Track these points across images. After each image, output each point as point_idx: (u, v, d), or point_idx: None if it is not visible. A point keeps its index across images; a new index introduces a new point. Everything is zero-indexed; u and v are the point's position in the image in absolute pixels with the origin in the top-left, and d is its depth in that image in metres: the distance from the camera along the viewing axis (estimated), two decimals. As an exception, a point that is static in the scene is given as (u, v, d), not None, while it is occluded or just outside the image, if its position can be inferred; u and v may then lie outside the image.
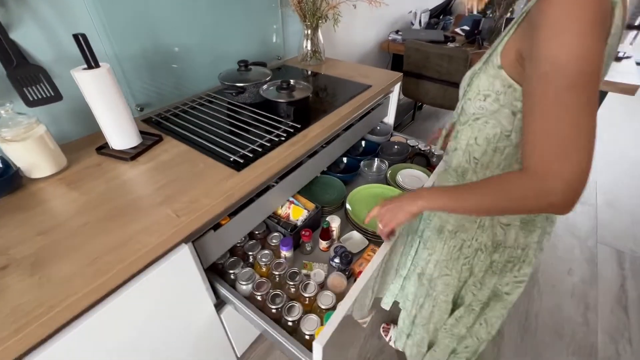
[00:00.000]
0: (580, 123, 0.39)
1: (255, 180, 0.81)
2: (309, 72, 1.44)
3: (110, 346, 0.65)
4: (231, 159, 0.83)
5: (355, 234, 1.07)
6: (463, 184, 0.61)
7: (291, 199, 1.07)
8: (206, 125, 0.99)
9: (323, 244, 1.01)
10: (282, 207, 1.06)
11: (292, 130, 0.96)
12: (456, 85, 1.94)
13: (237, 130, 0.97)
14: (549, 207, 0.43)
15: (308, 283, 0.86)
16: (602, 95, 1.63)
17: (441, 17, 2.64)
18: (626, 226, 1.85)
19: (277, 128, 0.97)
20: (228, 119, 1.04)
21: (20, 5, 0.74)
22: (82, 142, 0.91)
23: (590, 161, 0.39)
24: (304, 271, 0.93)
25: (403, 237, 0.92)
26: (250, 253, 0.95)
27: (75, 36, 0.71)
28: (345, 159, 1.38)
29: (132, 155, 0.84)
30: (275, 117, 1.03)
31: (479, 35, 2.18)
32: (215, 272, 0.90)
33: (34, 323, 0.49)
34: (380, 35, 2.33)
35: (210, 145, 0.89)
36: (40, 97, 0.77)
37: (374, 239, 1.03)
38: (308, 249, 1.01)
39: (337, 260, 0.93)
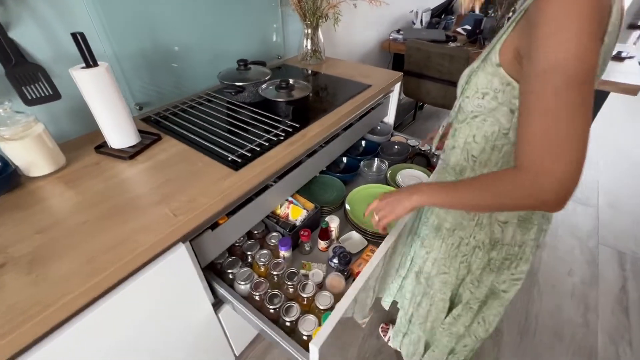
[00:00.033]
0: (575, 121, 0.39)
1: (253, 179, 0.80)
2: (309, 72, 1.43)
3: (108, 345, 0.65)
4: (229, 159, 0.83)
5: (354, 234, 1.07)
6: (460, 180, 0.61)
7: (290, 198, 1.07)
8: (205, 124, 0.99)
9: (322, 244, 1.01)
10: (281, 206, 1.06)
11: (290, 130, 0.96)
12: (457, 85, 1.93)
13: (235, 130, 0.97)
14: (541, 204, 0.44)
15: (306, 283, 0.85)
16: (604, 95, 1.62)
17: (443, 16, 2.63)
18: (628, 227, 1.84)
19: (276, 127, 0.97)
20: (227, 118, 1.04)
21: (19, 4, 0.74)
22: (81, 141, 0.91)
23: (582, 159, 0.40)
24: (302, 271, 0.93)
25: (403, 237, 0.92)
26: (249, 253, 0.95)
27: (74, 35, 0.71)
28: (345, 159, 1.38)
29: (130, 154, 0.84)
30: (274, 117, 1.02)
31: (481, 35, 2.17)
32: (214, 272, 0.90)
33: (30, 322, 0.49)
34: (381, 34, 2.32)
35: (208, 145, 0.89)
36: (38, 95, 0.77)
37: (373, 240, 1.03)
38: (307, 249, 1.01)
39: (335, 260, 0.93)
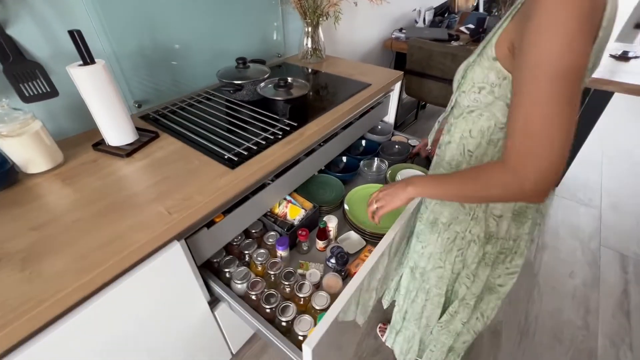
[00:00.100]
0: (560, 115, 0.40)
1: (249, 178, 0.80)
2: (309, 70, 1.43)
3: (103, 341, 0.65)
4: (225, 157, 0.83)
5: (352, 234, 1.07)
6: (451, 172, 0.63)
7: (289, 197, 1.07)
8: (203, 122, 0.99)
9: (320, 243, 1.01)
10: (279, 206, 1.06)
11: (288, 129, 0.96)
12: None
13: (233, 128, 0.97)
14: (523, 196, 0.45)
15: (303, 283, 0.85)
16: (608, 95, 1.60)
17: (446, 15, 2.61)
18: (630, 229, 1.82)
19: (274, 126, 0.97)
20: (225, 117, 1.04)
21: (18, 2, 0.74)
22: (79, 138, 0.91)
23: (565, 154, 0.41)
24: (299, 271, 0.93)
25: (403, 237, 0.91)
26: (246, 252, 0.95)
27: (71, 32, 0.71)
28: (344, 158, 1.37)
29: (127, 151, 0.84)
30: (272, 115, 1.02)
31: (484, 34, 2.15)
32: (211, 270, 0.90)
33: (23, 317, 0.49)
34: (383, 33, 2.31)
35: (205, 143, 0.89)
36: (36, 93, 0.77)
37: (372, 240, 1.02)
38: (305, 248, 1.01)
39: (333, 260, 0.92)
